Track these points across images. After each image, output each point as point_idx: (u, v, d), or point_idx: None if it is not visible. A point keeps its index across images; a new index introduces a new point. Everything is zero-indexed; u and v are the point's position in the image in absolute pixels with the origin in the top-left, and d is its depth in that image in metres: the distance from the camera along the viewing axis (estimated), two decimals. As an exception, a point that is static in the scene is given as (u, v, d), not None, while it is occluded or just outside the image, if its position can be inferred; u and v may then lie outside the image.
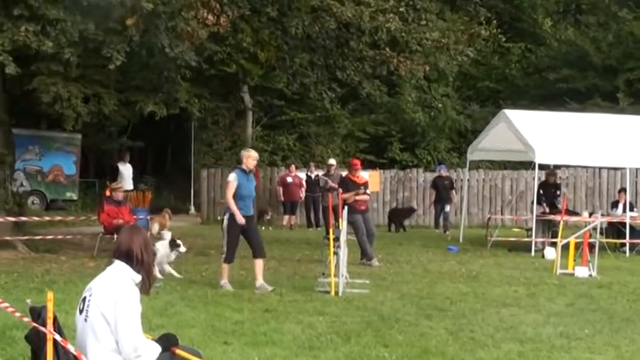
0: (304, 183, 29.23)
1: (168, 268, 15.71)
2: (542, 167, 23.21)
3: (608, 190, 31.32)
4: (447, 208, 27.07)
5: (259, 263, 14.56)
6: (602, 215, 23.29)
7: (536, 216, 22.67)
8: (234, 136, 35.87)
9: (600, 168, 30.37)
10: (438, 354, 9.80)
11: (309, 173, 29.09)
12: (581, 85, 36.82)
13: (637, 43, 36.77)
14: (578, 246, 18.31)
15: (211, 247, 21.59)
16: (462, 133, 36.37)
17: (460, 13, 29.42)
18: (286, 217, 29.15)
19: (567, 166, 29.11)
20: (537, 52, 40.48)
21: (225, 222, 14.27)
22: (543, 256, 20.74)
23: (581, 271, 17.38)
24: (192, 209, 33.98)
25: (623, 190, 24.72)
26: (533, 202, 23.22)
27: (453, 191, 27.70)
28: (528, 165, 23.82)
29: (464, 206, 27.19)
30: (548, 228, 22.84)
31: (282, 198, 29.44)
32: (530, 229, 22.81)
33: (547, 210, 23.32)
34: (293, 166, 30.28)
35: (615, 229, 23.13)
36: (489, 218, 26.60)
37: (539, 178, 23.38)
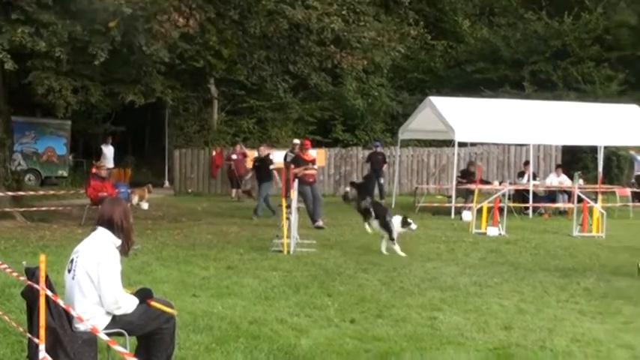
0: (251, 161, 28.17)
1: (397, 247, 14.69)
2: (461, 144, 23.39)
3: (515, 162, 31.51)
4: (382, 179, 27.12)
5: None
6: (510, 184, 23.70)
7: (456, 185, 22.92)
8: (202, 121, 35.66)
9: (509, 144, 30.62)
10: (373, 301, 9.90)
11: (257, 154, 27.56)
12: (494, 75, 36.97)
13: (540, 40, 37.05)
14: (490, 210, 18.55)
15: (183, 214, 21.56)
16: (395, 117, 36.35)
17: (393, 15, 29.37)
18: (234, 190, 28.73)
19: (482, 143, 29.33)
20: (457, 48, 40.49)
21: None
22: (461, 219, 20.95)
23: (492, 231, 17.61)
24: (167, 183, 33.80)
25: (527, 162, 24.99)
26: (454, 174, 23.46)
27: (385, 165, 27.71)
28: (449, 143, 23.98)
29: (396, 178, 27.29)
30: (466, 195, 23.06)
31: (228, 174, 29.18)
32: (451, 196, 23.02)
33: (464, 180, 23.58)
34: (237, 146, 30.07)
35: (520, 196, 23.43)
36: (417, 188, 26.80)
37: (458, 154, 23.53)
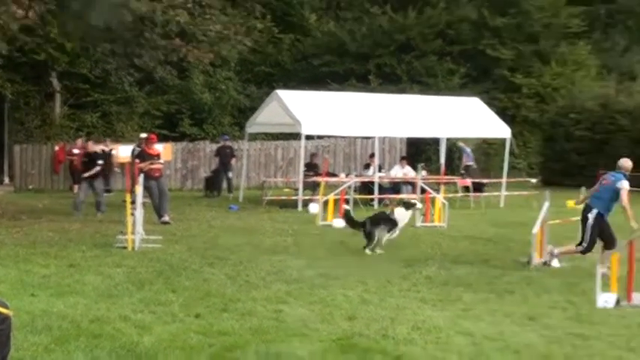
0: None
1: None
2: (308, 137, 23.67)
3: (362, 155, 32.06)
4: (230, 173, 27.12)
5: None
6: (356, 176, 24.14)
7: (303, 178, 23.15)
8: (44, 116, 34.47)
9: (355, 137, 31.12)
10: (219, 295, 9.92)
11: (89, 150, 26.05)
12: (340, 68, 37.54)
13: (385, 34, 37.89)
14: (336, 202, 18.85)
15: (23, 212, 20.88)
16: (242, 110, 36.30)
17: (239, 9, 29.29)
18: (76, 186, 27.77)
19: (329, 136, 29.74)
20: (304, 42, 40.78)
21: (592, 220, 12.15)
22: (308, 211, 21.19)
23: (338, 223, 17.77)
24: (6, 180, 32.62)
25: (373, 155, 25.52)
26: (301, 167, 23.67)
27: (234, 159, 27.67)
28: (296, 136, 24.21)
29: (244, 171, 27.20)
30: (312, 187, 23.34)
31: (70, 169, 28.35)
32: (298, 189, 23.23)
33: (311, 173, 23.90)
34: (79, 140, 29.24)
35: (366, 187, 23.90)
36: (264, 181, 26.93)
37: (305, 147, 23.77)
